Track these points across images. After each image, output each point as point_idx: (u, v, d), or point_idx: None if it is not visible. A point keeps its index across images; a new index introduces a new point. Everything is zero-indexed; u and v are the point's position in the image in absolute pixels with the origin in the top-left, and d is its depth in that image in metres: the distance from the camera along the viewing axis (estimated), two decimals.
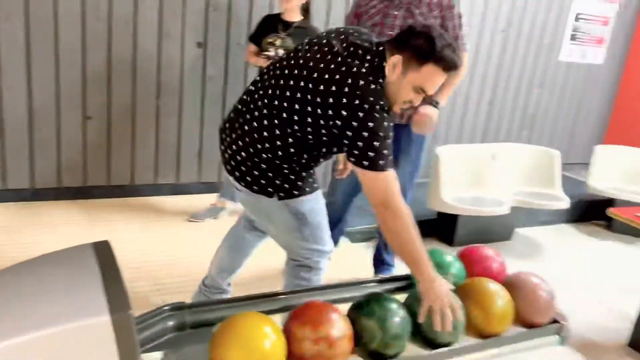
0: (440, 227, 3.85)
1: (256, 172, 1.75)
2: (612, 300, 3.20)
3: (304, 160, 1.75)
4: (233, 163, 1.80)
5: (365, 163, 1.59)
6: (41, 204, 3.41)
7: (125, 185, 3.67)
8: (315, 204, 1.87)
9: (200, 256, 2.95)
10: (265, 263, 2.60)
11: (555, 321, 1.82)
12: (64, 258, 1.34)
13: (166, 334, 1.62)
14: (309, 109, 1.63)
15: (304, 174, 1.80)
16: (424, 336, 1.61)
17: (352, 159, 1.62)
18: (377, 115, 1.57)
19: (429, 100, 2.44)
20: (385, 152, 1.60)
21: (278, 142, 1.69)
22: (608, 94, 5.54)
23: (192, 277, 2.73)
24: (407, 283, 1.89)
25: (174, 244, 3.12)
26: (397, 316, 1.53)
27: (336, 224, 2.87)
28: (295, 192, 1.79)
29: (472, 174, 3.78)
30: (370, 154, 1.58)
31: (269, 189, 1.77)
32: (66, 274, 1.27)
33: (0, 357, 1.04)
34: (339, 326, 1.43)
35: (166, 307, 1.63)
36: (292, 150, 1.70)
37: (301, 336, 1.40)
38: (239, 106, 1.83)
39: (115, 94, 3.46)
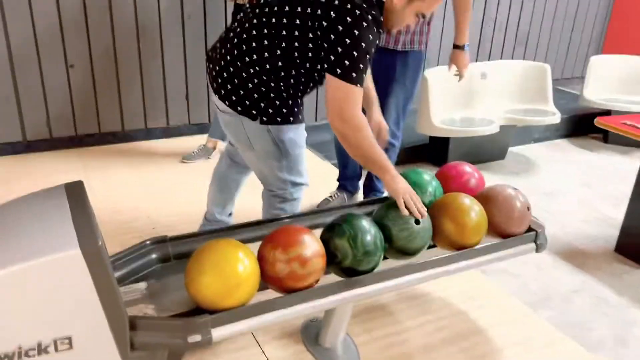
0: (432, 151, 3.85)
1: (242, 92, 1.75)
2: (604, 210, 3.24)
3: (291, 81, 1.73)
4: (219, 80, 1.80)
5: (339, 71, 1.57)
6: (35, 155, 3.47)
7: (116, 132, 3.70)
8: (296, 135, 1.86)
9: (194, 195, 3.00)
10: None
11: (531, 229, 1.86)
12: (37, 199, 1.38)
13: (152, 265, 1.70)
14: (299, 9, 1.61)
15: (290, 101, 1.79)
16: (397, 247, 1.65)
17: (326, 66, 1.60)
18: (365, 24, 1.56)
19: (459, 45, 2.66)
20: (361, 66, 1.57)
21: (266, 54, 1.68)
22: (605, 1, 5.36)
23: (187, 216, 2.80)
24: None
25: (167, 185, 3.17)
26: (369, 234, 1.55)
27: (347, 167, 2.92)
28: (279, 119, 1.79)
29: (462, 95, 3.73)
30: (347, 62, 1.56)
31: (253, 111, 1.77)
32: (38, 213, 1.31)
33: None
34: (310, 246, 1.46)
35: (148, 242, 1.70)
36: (279, 64, 1.69)
37: (273, 259, 1.44)
38: (231, 27, 1.83)
39: (95, 39, 3.42)
